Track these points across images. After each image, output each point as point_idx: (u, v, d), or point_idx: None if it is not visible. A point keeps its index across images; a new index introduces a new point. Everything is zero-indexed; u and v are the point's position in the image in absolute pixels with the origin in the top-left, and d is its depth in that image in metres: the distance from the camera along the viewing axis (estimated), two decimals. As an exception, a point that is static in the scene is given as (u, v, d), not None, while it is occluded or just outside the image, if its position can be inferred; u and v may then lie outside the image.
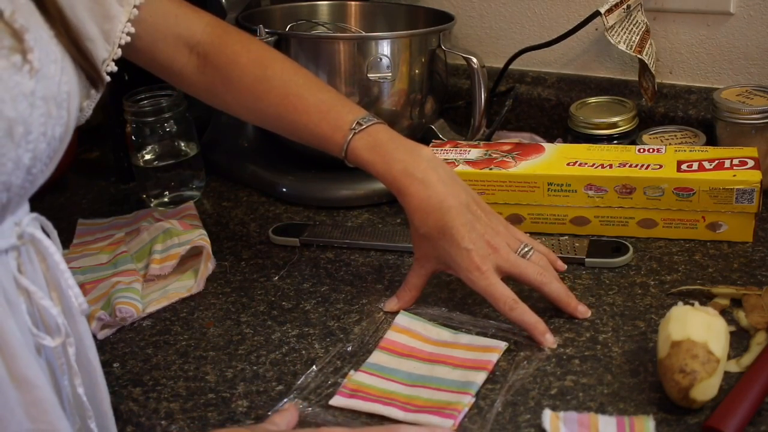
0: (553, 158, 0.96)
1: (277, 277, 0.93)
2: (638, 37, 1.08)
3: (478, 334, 0.79)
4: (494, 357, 0.75)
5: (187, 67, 0.87)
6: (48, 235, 0.62)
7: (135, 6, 0.79)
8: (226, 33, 0.88)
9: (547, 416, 0.67)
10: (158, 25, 0.83)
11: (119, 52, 0.79)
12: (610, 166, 0.93)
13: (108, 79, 0.78)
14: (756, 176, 0.88)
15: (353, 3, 1.24)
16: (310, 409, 0.71)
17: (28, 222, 0.60)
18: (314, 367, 0.77)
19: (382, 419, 0.70)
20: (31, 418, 0.57)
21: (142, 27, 0.81)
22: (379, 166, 0.81)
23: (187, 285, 0.92)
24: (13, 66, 0.53)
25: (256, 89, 0.85)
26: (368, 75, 1.03)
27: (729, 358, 0.72)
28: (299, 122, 0.85)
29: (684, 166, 0.91)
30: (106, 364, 0.80)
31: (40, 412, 0.57)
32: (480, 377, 0.73)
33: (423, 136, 1.11)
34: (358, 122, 0.82)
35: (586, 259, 0.89)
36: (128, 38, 0.79)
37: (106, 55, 0.78)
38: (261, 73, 0.85)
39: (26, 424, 0.57)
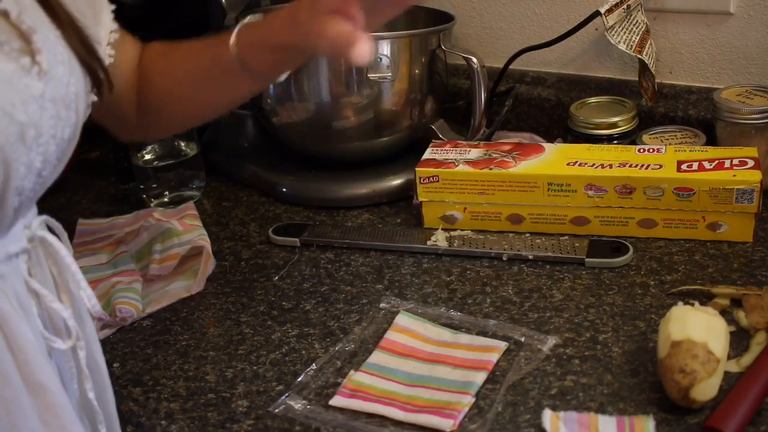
0: (553, 158, 0.96)
1: (277, 277, 0.93)
2: (638, 37, 1.08)
3: (478, 334, 0.79)
4: (494, 357, 0.75)
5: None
6: (57, 237, 0.62)
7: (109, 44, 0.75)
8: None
9: (547, 416, 0.67)
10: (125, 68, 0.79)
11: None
12: (610, 166, 0.93)
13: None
14: (756, 176, 0.88)
15: (353, 3, 1.23)
16: (310, 408, 0.71)
17: (38, 224, 0.60)
18: (314, 365, 0.77)
19: (382, 419, 0.70)
20: (44, 422, 0.57)
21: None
22: (268, 35, 0.74)
23: (187, 285, 0.92)
24: (22, 68, 0.53)
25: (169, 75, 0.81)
26: (368, 75, 1.03)
27: (729, 358, 0.72)
28: (195, 61, 0.80)
29: (684, 166, 0.91)
30: (106, 364, 0.80)
31: (53, 416, 0.57)
32: (480, 377, 0.73)
33: (423, 136, 1.11)
34: (240, 25, 0.76)
35: (586, 259, 0.89)
36: (111, 59, 0.74)
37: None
38: (164, 60, 0.81)
39: (40, 428, 0.57)
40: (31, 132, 0.53)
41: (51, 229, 0.63)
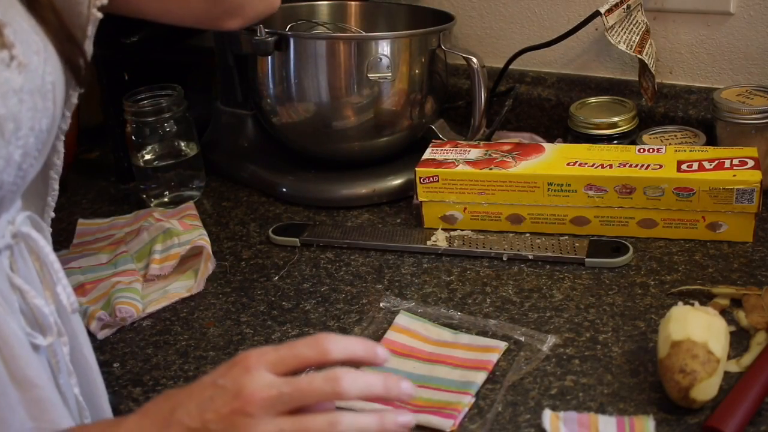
0: (553, 158, 0.96)
1: (277, 277, 0.93)
2: (638, 37, 1.08)
3: (478, 334, 0.79)
4: (494, 357, 0.75)
5: None
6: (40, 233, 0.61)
7: None
8: None
9: (547, 416, 0.67)
10: None
11: None
12: (610, 166, 0.93)
13: (98, 16, 0.66)
14: (756, 176, 0.88)
15: (353, 3, 1.23)
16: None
17: (22, 220, 0.59)
18: (314, 366, 0.77)
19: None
20: (32, 416, 0.57)
21: None
22: None
23: (187, 285, 0.92)
24: (1, 62, 0.52)
25: None
26: (368, 75, 1.03)
27: (729, 358, 0.72)
28: None
29: (684, 166, 0.91)
30: (106, 364, 0.80)
31: (41, 411, 0.57)
32: (480, 377, 0.73)
33: (423, 136, 1.11)
34: None
35: (586, 259, 0.89)
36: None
37: None
38: None
39: (28, 423, 0.57)
40: (10, 125, 0.52)
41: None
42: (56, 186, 0.67)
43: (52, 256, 0.61)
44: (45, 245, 0.60)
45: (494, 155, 0.98)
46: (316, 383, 0.51)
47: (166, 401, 0.53)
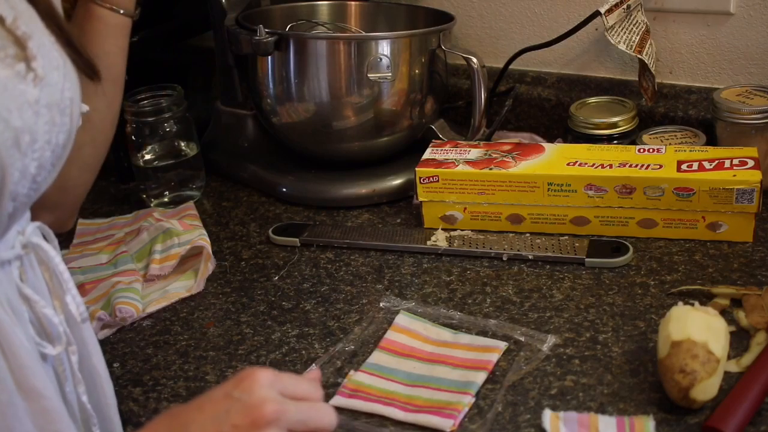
0: (553, 158, 0.96)
1: (277, 277, 0.93)
2: (638, 37, 1.08)
3: (478, 334, 0.79)
4: (494, 357, 0.75)
5: None
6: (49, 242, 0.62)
7: None
8: None
9: (547, 416, 0.67)
10: None
11: None
12: (610, 166, 0.93)
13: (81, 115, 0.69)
14: (756, 176, 0.88)
15: (353, 3, 1.23)
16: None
17: (32, 231, 0.60)
18: (314, 365, 0.77)
19: (382, 419, 0.70)
20: (39, 427, 0.57)
21: None
22: None
23: (187, 285, 0.92)
24: (17, 75, 0.53)
25: None
26: (368, 75, 1.03)
27: (729, 358, 0.72)
28: None
29: (684, 166, 0.91)
30: (106, 364, 0.80)
31: (47, 421, 0.57)
32: (480, 377, 0.73)
33: (423, 136, 1.11)
34: None
35: (586, 259, 0.89)
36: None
37: None
38: None
39: None
40: (26, 137, 0.53)
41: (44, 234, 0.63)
42: None
43: (62, 266, 0.61)
44: (55, 255, 0.61)
45: (494, 155, 0.98)
46: (323, 411, 0.54)
47: (175, 419, 0.52)
